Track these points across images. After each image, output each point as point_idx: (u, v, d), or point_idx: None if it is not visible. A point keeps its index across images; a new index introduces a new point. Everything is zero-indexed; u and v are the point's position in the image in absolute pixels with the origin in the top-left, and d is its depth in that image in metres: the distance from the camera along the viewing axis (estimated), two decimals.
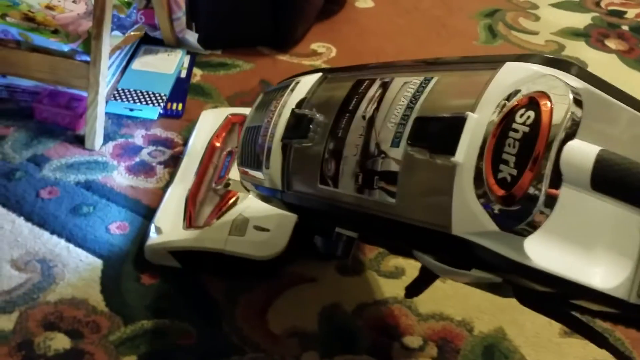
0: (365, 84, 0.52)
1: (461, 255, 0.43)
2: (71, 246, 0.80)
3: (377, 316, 0.74)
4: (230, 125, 0.92)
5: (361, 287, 0.78)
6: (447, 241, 0.42)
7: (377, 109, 0.49)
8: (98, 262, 0.78)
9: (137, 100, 1.03)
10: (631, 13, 1.43)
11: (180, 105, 1.04)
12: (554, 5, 1.44)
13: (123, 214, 0.85)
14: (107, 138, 0.97)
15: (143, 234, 0.81)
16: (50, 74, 0.93)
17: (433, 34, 1.30)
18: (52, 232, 0.81)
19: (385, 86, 0.50)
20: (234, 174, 0.80)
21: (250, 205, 0.78)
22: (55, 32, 0.96)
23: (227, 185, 0.80)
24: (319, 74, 0.60)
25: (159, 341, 0.70)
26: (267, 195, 0.60)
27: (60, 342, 0.69)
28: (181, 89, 1.08)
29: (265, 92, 0.68)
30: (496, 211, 0.39)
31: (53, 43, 0.94)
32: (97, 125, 0.94)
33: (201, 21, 1.17)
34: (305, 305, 0.75)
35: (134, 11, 1.10)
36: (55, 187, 0.88)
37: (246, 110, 0.88)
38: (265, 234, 0.75)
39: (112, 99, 1.02)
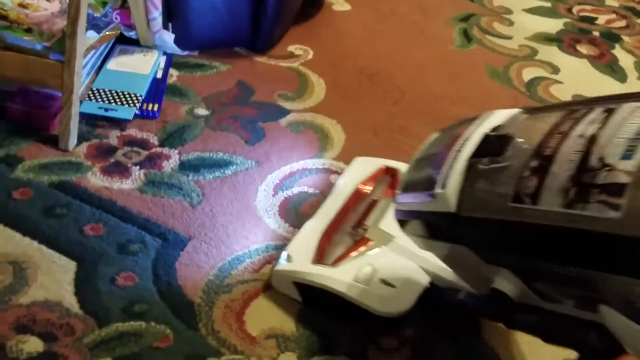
0: (582, 111, 0.49)
1: None
2: (44, 248, 0.78)
3: None
4: (381, 175, 0.89)
5: None
6: None
7: (601, 128, 0.46)
8: (72, 264, 0.77)
9: (112, 101, 1.01)
10: (602, 19, 1.47)
11: (157, 105, 1.03)
12: (527, 11, 1.47)
13: (97, 215, 0.84)
14: (82, 138, 0.95)
15: (119, 235, 0.80)
16: (24, 73, 0.92)
17: (410, 38, 1.32)
18: (25, 234, 0.80)
19: (610, 111, 0.48)
20: (374, 222, 0.80)
21: (381, 258, 0.76)
22: (28, 30, 0.94)
23: (365, 230, 0.78)
24: (515, 110, 0.57)
25: (134, 344, 0.69)
26: (431, 220, 0.54)
27: (33, 345, 0.67)
28: (157, 89, 1.07)
29: (442, 130, 0.62)
30: None
31: (26, 41, 0.92)
32: (71, 126, 0.92)
33: (177, 22, 1.16)
34: (283, 307, 0.75)
35: (110, 10, 1.09)
36: (28, 188, 0.86)
37: (400, 165, 0.88)
38: (390, 289, 0.72)
39: (87, 99, 1.01)
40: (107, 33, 1.06)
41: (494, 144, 0.51)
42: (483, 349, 0.73)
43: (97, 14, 1.05)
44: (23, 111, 0.96)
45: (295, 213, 0.88)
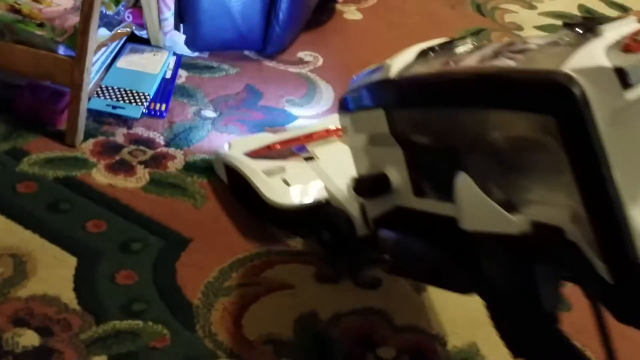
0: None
1: None
2: (46, 242, 0.78)
3: (352, 326, 0.74)
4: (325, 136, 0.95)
5: (338, 296, 0.78)
6: None
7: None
8: (72, 260, 0.77)
9: (120, 99, 1.02)
10: None
11: (164, 105, 1.04)
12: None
13: (100, 212, 0.84)
14: (88, 135, 0.96)
15: (121, 233, 0.81)
16: (34, 67, 0.92)
17: None
18: (27, 227, 0.80)
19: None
20: (314, 145, 0.92)
21: (297, 168, 0.87)
22: (41, 25, 0.95)
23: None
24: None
25: (131, 342, 0.69)
26: (371, 88, 0.63)
27: (30, 339, 0.67)
28: (166, 89, 1.07)
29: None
30: None
31: (38, 36, 0.93)
32: (78, 122, 0.92)
33: (189, 23, 1.17)
34: (281, 312, 0.75)
35: (122, 9, 1.10)
36: (33, 182, 0.86)
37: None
38: (284, 186, 0.83)
39: (95, 95, 1.01)
40: (119, 31, 1.06)
41: (444, 44, 0.62)
42: None
43: (109, 12, 1.06)
44: (31, 105, 0.97)
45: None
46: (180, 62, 1.15)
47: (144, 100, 1.02)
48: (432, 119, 0.57)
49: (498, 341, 0.74)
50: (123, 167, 0.91)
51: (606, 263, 0.45)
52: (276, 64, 1.20)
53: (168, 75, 1.10)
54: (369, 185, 0.66)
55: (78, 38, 0.89)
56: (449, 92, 0.55)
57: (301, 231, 0.84)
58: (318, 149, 0.90)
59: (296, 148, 0.91)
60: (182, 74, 1.13)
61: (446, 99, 0.55)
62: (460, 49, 0.60)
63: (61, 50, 0.92)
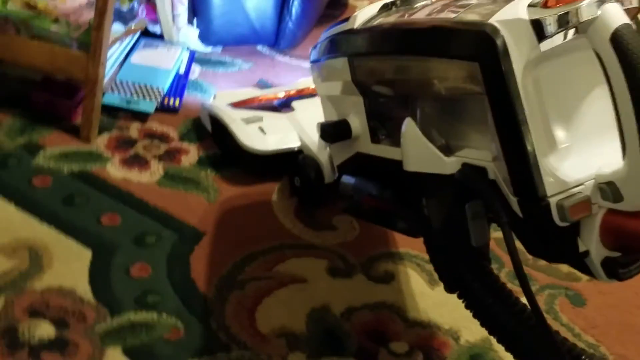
0: None
1: None
2: (61, 235, 0.79)
3: (365, 320, 0.74)
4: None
5: (351, 290, 0.78)
6: None
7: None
8: (87, 253, 0.77)
9: (134, 94, 1.02)
10: None
11: (178, 100, 1.04)
12: None
13: (115, 206, 0.84)
14: (103, 130, 0.96)
15: (135, 226, 0.81)
16: (49, 62, 0.93)
17: None
18: (43, 221, 0.81)
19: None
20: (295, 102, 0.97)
21: (275, 119, 0.93)
22: (56, 20, 0.96)
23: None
24: None
25: (145, 334, 0.69)
26: (335, 38, 0.68)
27: (45, 330, 0.68)
28: (179, 84, 1.07)
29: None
30: None
31: (53, 32, 0.93)
32: (93, 116, 0.93)
33: (202, 18, 1.17)
34: (294, 306, 0.75)
35: (136, 4, 1.10)
36: (48, 176, 0.87)
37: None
38: (260, 133, 0.90)
39: (110, 90, 1.02)
40: (133, 26, 1.07)
41: None
42: (493, 358, 0.72)
43: (123, 7, 1.06)
44: (46, 100, 0.97)
45: (311, 214, 0.88)
46: (194, 57, 1.15)
47: (157, 95, 1.03)
48: (387, 68, 0.63)
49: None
50: (137, 162, 0.92)
51: (518, 197, 0.50)
52: (289, 59, 1.20)
53: (182, 70, 1.11)
54: (332, 130, 0.71)
55: (92, 33, 0.90)
56: (397, 42, 0.60)
57: (273, 176, 0.90)
58: (296, 102, 0.96)
59: (278, 102, 0.98)
60: (196, 69, 1.13)
61: (395, 48, 0.61)
62: (419, 2, 0.65)
63: (76, 45, 0.93)
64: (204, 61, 1.16)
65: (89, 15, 0.96)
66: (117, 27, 1.01)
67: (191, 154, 0.95)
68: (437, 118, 0.60)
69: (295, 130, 0.90)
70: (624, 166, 0.48)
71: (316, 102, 0.87)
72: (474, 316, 0.61)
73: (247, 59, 1.18)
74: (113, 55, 1.04)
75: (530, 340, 0.56)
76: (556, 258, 0.53)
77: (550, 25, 0.48)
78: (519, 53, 0.49)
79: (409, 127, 0.60)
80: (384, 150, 0.66)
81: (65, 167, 0.89)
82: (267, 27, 1.19)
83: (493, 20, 0.50)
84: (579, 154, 0.51)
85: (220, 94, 1.02)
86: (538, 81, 0.50)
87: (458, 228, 0.58)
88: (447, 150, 0.57)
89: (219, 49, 1.19)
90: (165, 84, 1.05)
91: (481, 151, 0.54)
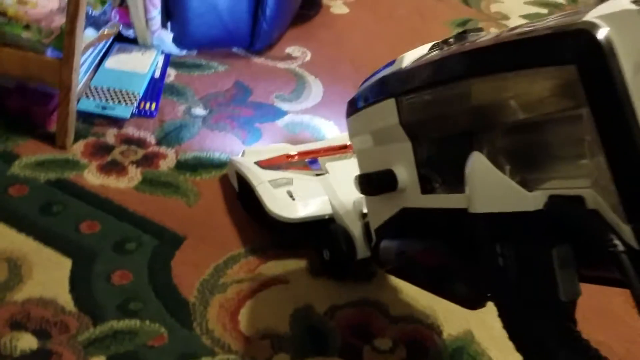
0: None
1: None
2: (40, 245, 0.78)
3: (348, 318, 0.75)
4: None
5: (333, 288, 0.78)
6: None
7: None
8: (67, 261, 0.77)
9: (109, 99, 1.02)
10: None
11: (154, 104, 1.04)
12: (524, 17, 1.47)
13: (93, 213, 0.84)
14: (79, 136, 0.96)
15: (115, 233, 0.81)
16: (22, 69, 0.92)
17: (407, 41, 1.32)
18: (21, 230, 0.80)
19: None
20: (325, 159, 0.90)
21: (305, 181, 0.85)
22: (27, 27, 0.94)
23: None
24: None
25: (129, 342, 0.69)
26: (382, 81, 0.63)
27: (27, 342, 0.67)
28: (155, 88, 1.07)
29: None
30: None
31: (25, 39, 0.92)
32: (68, 123, 0.92)
33: (176, 21, 1.16)
34: (277, 307, 0.75)
35: (109, 8, 1.09)
36: (25, 185, 0.86)
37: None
38: (288, 199, 0.81)
39: (85, 96, 1.01)
40: (106, 31, 1.06)
41: (457, 35, 0.60)
42: (475, 350, 0.73)
43: (95, 12, 1.05)
44: (20, 108, 0.96)
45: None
46: (169, 61, 1.14)
47: (133, 99, 1.02)
48: (444, 99, 0.56)
49: (492, 327, 0.75)
50: (115, 168, 0.92)
51: (633, 223, 0.42)
52: (265, 60, 1.20)
53: (157, 74, 1.10)
54: (375, 180, 0.63)
55: (65, 39, 0.89)
56: (461, 65, 0.53)
57: (302, 245, 0.82)
58: (330, 164, 0.87)
59: (310, 161, 0.89)
60: (171, 72, 1.13)
61: (459, 72, 0.53)
62: (474, 37, 0.58)
63: (49, 51, 0.92)
64: (180, 64, 1.15)
65: (60, 20, 0.95)
66: (90, 32, 1.00)
67: (169, 158, 0.95)
68: (510, 151, 0.51)
69: (327, 195, 0.81)
70: None
71: (351, 163, 0.79)
72: None
73: (222, 61, 1.17)
74: (87, 60, 1.03)
75: None
76: None
77: None
78: (628, 50, 0.41)
79: (478, 161, 0.51)
80: (439, 200, 0.57)
81: (41, 176, 0.88)
82: (241, 28, 1.19)
83: (589, 17, 0.42)
84: None
85: (249, 150, 0.94)
86: None
87: (543, 279, 0.48)
88: (525, 186, 0.48)
89: (194, 51, 1.19)
90: (141, 88, 1.05)
91: (574, 180, 0.46)
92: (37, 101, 0.97)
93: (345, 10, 1.41)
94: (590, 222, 0.44)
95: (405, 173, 0.60)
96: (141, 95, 1.03)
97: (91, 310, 0.71)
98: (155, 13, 1.12)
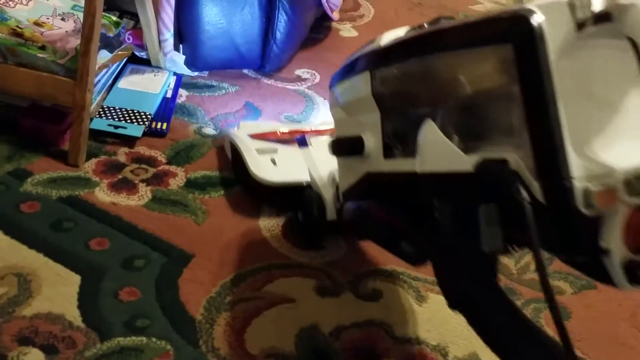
0: None
1: None
2: (50, 261, 0.79)
3: (354, 338, 0.75)
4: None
5: (339, 308, 0.79)
6: None
7: None
8: (76, 277, 0.78)
9: (122, 118, 1.03)
10: None
11: (165, 124, 1.05)
12: None
13: (103, 231, 0.85)
14: (91, 154, 0.97)
15: (124, 250, 0.82)
16: (37, 89, 0.94)
17: None
18: (31, 246, 0.81)
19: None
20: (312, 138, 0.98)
21: (289, 152, 0.94)
22: (42, 48, 0.97)
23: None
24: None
25: (135, 359, 0.69)
26: (362, 57, 0.68)
27: (35, 357, 0.68)
28: (167, 108, 1.09)
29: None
30: None
31: (40, 59, 0.94)
32: (81, 142, 0.94)
33: (188, 43, 1.18)
34: (283, 326, 0.75)
35: (122, 31, 1.12)
36: (36, 202, 0.88)
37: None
38: (270, 164, 0.91)
39: (97, 116, 1.03)
40: (119, 52, 1.08)
41: (432, 21, 0.65)
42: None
43: (110, 34, 1.08)
44: (34, 126, 0.98)
45: (297, 233, 0.89)
46: (181, 82, 1.16)
47: (145, 119, 1.04)
48: (409, 74, 0.64)
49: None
50: (125, 186, 0.93)
51: (541, 179, 0.49)
52: (274, 82, 1.22)
53: (169, 95, 1.12)
54: (345, 144, 0.71)
55: (79, 60, 0.91)
56: (425, 42, 0.61)
57: (280, 207, 0.91)
58: (314, 139, 0.96)
59: (297, 138, 0.98)
60: (183, 93, 1.15)
61: (423, 47, 0.61)
62: (445, 23, 0.65)
63: (63, 72, 0.94)
64: (191, 85, 1.17)
65: (75, 42, 0.98)
66: (104, 54, 1.03)
67: (179, 177, 0.96)
68: (457, 123, 0.59)
69: (306, 165, 0.89)
70: None
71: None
72: (479, 334, 0.59)
73: (233, 82, 1.19)
74: (100, 81, 1.05)
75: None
76: (573, 251, 0.50)
77: (585, 8, 0.48)
78: (555, 36, 0.48)
79: (428, 126, 0.59)
80: (397, 164, 0.65)
81: (53, 193, 0.89)
82: (252, 51, 1.21)
83: (529, 5, 0.50)
84: (619, 145, 0.49)
85: (244, 124, 1.04)
86: (570, 63, 0.49)
87: (469, 232, 0.55)
88: (467, 151, 0.56)
89: (205, 73, 1.21)
90: (153, 108, 1.06)
91: (503, 146, 0.53)
92: (50, 120, 0.99)
93: (354, 33, 1.43)
94: (509, 178, 0.50)
95: (372, 141, 0.67)
96: (153, 115, 1.05)
97: (98, 327, 0.72)
98: (168, 35, 1.15)
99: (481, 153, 0.55)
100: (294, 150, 0.95)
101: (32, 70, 0.94)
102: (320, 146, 0.93)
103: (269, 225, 0.90)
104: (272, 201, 0.92)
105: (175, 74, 1.17)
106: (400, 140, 0.66)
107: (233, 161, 0.97)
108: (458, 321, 0.78)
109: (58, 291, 0.76)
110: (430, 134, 0.59)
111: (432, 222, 0.59)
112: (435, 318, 0.78)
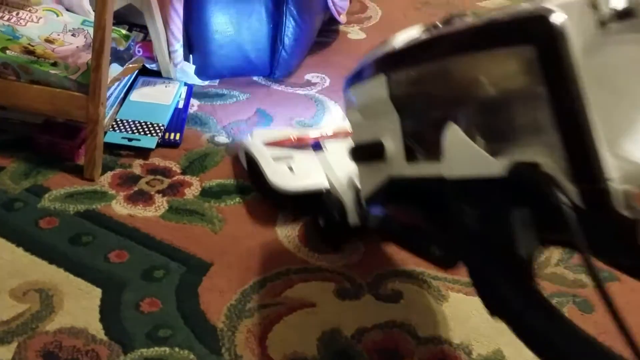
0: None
1: None
2: (70, 275, 0.80)
3: (376, 340, 0.75)
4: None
5: (360, 311, 0.78)
6: None
7: None
8: (97, 291, 0.78)
9: (135, 131, 1.04)
10: None
11: (178, 134, 1.06)
12: None
13: (122, 243, 0.85)
14: (106, 168, 0.98)
15: (143, 261, 0.82)
16: (50, 105, 0.94)
17: None
18: (51, 262, 0.81)
19: None
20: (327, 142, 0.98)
21: (305, 157, 0.93)
22: (54, 64, 0.98)
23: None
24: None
25: None
26: (376, 60, 0.67)
27: None
28: (179, 119, 1.09)
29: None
30: None
31: (52, 75, 0.95)
32: (96, 156, 0.95)
33: (198, 53, 1.19)
34: (304, 331, 0.75)
35: (132, 44, 1.13)
36: (54, 217, 0.88)
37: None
38: (287, 171, 0.90)
39: (111, 129, 1.04)
40: (130, 65, 1.09)
41: (445, 20, 0.64)
42: None
43: (120, 48, 1.09)
44: (49, 142, 0.99)
45: (315, 237, 0.89)
46: (192, 92, 1.17)
47: (158, 130, 1.04)
48: (427, 76, 0.62)
49: (522, 346, 0.74)
50: (142, 197, 0.93)
51: (578, 183, 0.48)
52: (285, 88, 1.22)
53: (180, 105, 1.13)
54: (365, 150, 0.70)
55: (91, 74, 0.92)
56: (443, 43, 0.59)
57: (300, 213, 0.91)
58: (329, 143, 0.96)
59: (313, 143, 0.97)
60: (194, 102, 1.15)
61: (441, 50, 0.59)
62: (459, 22, 0.63)
63: (75, 87, 0.95)
64: (202, 94, 1.18)
65: (86, 57, 0.99)
66: (115, 67, 1.03)
67: (194, 187, 0.96)
68: (481, 124, 0.57)
69: (324, 170, 0.90)
70: None
71: (348, 144, 0.87)
72: (527, 344, 0.55)
73: (243, 90, 1.20)
74: (113, 94, 1.06)
75: None
76: (616, 253, 0.49)
77: (607, 6, 0.48)
78: (578, 34, 0.47)
79: (452, 131, 0.57)
80: (421, 168, 0.63)
81: (71, 207, 0.90)
82: (262, 58, 1.21)
83: (547, 4, 0.49)
84: None
85: (257, 132, 1.02)
86: (593, 60, 0.48)
87: (502, 236, 0.53)
88: (493, 155, 0.54)
89: (215, 81, 1.21)
90: (165, 119, 1.07)
91: (533, 148, 0.51)
92: (65, 135, 0.99)
93: (362, 35, 1.43)
94: (544, 182, 0.49)
95: (393, 144, 0.66)
96: (166, 126, 1.06)
97: (121, 339, 0.72)
98: (178, 46, 1.15)
99: (509, 156, 0.53)
100: (309, 155, 0.95)
101: (45, 86, 0.95)
102: (336, 149, 0.94)
103: (286, 230, 0.90)
104: (293, 208, 0.91)
105: (186, 84, 1.18)
106: (421, 142, 0.64)
107: (249, 171, 0.96)
108: (480, 319, 0.77)
109: (80, 305, 0.76)
110: (454, 137, 0.57)
111: (462, 226, 0.57)
112: (457, 317, 0.78)
